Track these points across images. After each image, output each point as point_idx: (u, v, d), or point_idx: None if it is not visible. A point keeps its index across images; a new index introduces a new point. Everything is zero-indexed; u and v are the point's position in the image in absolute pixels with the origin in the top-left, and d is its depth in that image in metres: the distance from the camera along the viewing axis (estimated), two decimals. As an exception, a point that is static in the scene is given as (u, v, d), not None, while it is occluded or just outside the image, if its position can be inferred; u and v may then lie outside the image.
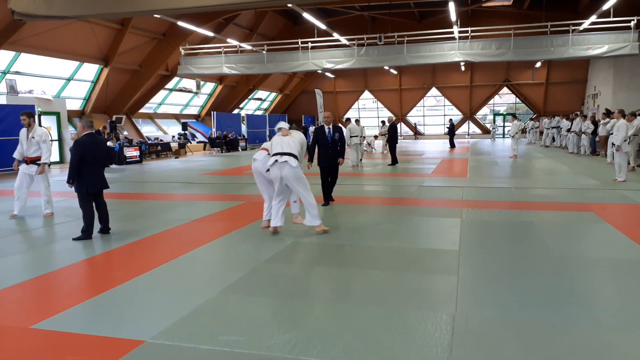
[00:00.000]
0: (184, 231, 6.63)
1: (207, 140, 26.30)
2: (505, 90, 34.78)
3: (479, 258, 5.05)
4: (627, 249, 5.32)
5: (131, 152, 18.53)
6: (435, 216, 7.29)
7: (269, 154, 6.30)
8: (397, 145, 15.83)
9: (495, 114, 34.37)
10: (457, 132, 25.18)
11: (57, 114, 18.59)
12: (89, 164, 6.16)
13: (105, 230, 6.44)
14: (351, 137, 14.83)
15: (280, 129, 6.44)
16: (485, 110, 36.25)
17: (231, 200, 9.05)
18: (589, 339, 3.16)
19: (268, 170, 6.16)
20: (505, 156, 17.91)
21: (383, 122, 16.42)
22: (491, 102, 35.56)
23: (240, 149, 25.67)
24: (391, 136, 15.59)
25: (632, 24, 17.37)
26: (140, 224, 7.08)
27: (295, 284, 4.36)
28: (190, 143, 25.49)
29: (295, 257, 5.26)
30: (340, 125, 8.33)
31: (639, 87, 22.71)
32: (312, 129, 15.74)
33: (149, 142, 22.48)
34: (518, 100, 34.67)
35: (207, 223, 7.16)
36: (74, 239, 6.09)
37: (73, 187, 6.24)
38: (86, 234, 6.15)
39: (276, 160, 6.01)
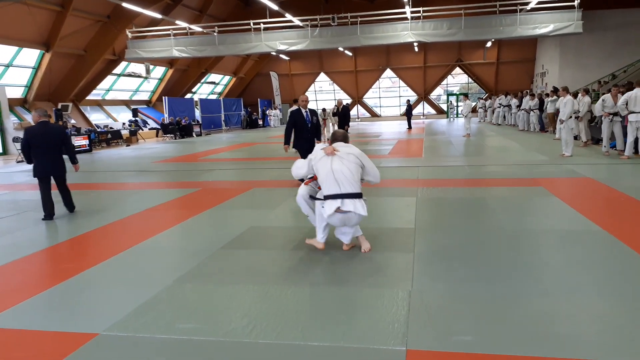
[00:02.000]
0: (137, 220, 6.45)
1: (159, 127, 25.61)
2: (458, 70, 35.48)
3: (434, 235, 5.15)
4: (573, 220, 5.55)
5: (80, 141, 17.81)
6: (392, 196, 7.38)
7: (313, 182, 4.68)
8: (348, 127, 15.73)
9: (449, 94, 35.03)
10: (412, 113, 25.50)
11: (-3, 103, 17.63)
12: (41, 151, 6.57)
13: (70, 209, 6.96)
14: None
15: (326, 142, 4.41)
16: (439, 90, 36.91)
17: (187, 188, 8.86)
18: (539, 308, 3.28)
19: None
20: (459, 135, 18.31)
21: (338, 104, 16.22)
22: (444, 82, 36.21)
23: (194, 135, 25.14)
24: (342, 119, 15.44)
25: (575, 2, 17.99)
26: (91, 215, 6.83)
27: (251, 269, 4.32)
28: (142, 130, 24.77)
29: (252, 243, 5.20)
30: (315, 110, 8.33)
31: (584, 65, 23.63)
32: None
33: (99, 130, 21.70)
34: (470, 80, 35.45)
35: (161, 211, 6.98)
36: (42, 219, 6.56)
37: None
38: (46, 215, 6.59)
39: (338, 208, 4.21)
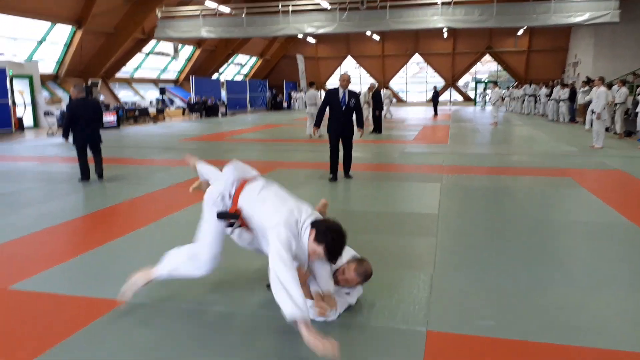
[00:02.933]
0: (164, 195, 6.57)
1: (185, 106, 25.85)
2: (487, 57, 34.76)
3: (457, 221, 5.13)
4: (601, 212, 5.44)
5: (108, 117, 18.10)
6: (416, 181, 7.35)
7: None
8: (383, 112, 15.58)
9: (477, 82, 34.40)
10: (439, 100, 25.17)
11: (30, 77, 18.00)
12: (81, 123, 7.36)
13: (100, 176, 7.62)
14: (308, 105, 13.83)
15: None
16: (467, 77, 36.27)
17: (213, 166, 8.94)
18: (562, 298, 3.25)
19: None
20: (486, 123, 18.03)
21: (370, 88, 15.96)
22: (473, 69, 35.55)
23: (220, 115, 25.31)
24: (375, 103, 15.38)
25: (614, -9, 17.36)
26: (119, 188, 6.99)
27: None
28: (169, 108, 25.05)
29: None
30: (356, 91, 7.45)
31: (619, 56, 22.86)
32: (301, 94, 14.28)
33: (126, 107, 22.01)
34: (500, 68, 34.72)
35: (187, 187, 7.06)
36: (78, 181, 7.43)
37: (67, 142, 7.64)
38: (82, 176, 7.46)
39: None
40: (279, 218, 2.64)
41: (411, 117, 22.47)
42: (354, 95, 7.15)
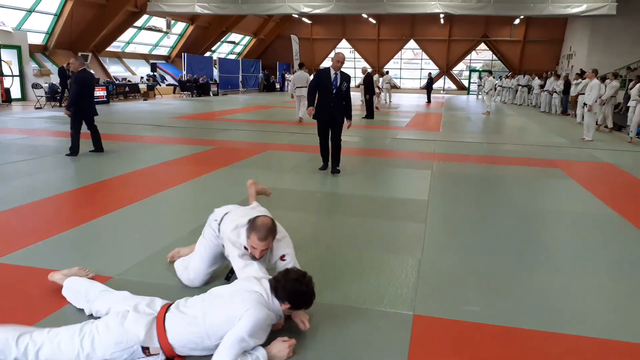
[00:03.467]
0: (153, 172, 6.51)
1: (177, 84, 25.53)
2: (482, 46, 34.65)
3: (447, 208, 5.15)
4: (589, 203, 5.50)
5: (98, 92, 17.84)
6: (407, 167, 7.35)
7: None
8: (382, 97, 15.55)
9: (472, 70, 34.34)
10: (433, 87, 25.11)
11: (18, 48, 17.63)
12: (85, 96, 7.43)
13: (98, 149, 7.65)
14: (296, 87, 13.44)
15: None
16: (461, 66, 36.18)
17: (202, 145, 8.89)
18: (547, 283, 3.29)
19: None
20: (478, 112, 18.05)
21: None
22: (468, 57, 35.45)
23: (211, 94, 25.05)
24: (366, 87, 15.31)
25: (612, -17, 17.31)
26: (108, 164, 6.91)
27: (265, 227, 4.36)
28: (160, 85, 24.71)
29: (266, 202, 5.22)
30: (349, 75, 6.65)
31: (613, 49, 22.89)
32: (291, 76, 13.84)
33: (117, 82, 21.68)
34: (495, 57, 34.66)
35: (177, 166, 7.04)
36: (66, 155, 7.28)
37: (69, 114, 7.38)
38: (73, 151, 7.32)
39: None
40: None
41: (404, 104, 22.40)
42: (347, 79, 6.40)
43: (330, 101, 6.32)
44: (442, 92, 34.67)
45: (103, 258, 3.51)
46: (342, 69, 6.37)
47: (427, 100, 23.38)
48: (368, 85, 15.21)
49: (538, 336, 2.63)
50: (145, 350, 2.26)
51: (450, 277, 3.35)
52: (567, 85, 17.73)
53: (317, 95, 6.43)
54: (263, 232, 2.70)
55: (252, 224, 2.75)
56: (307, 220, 4.63)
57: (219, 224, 3.04)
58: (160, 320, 2.30)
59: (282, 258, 2.83)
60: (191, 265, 3.08)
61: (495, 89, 26.84)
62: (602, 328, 2.74)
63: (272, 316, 2.34)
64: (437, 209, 5.04)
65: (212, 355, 2.23)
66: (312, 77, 7.44)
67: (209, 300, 2.35)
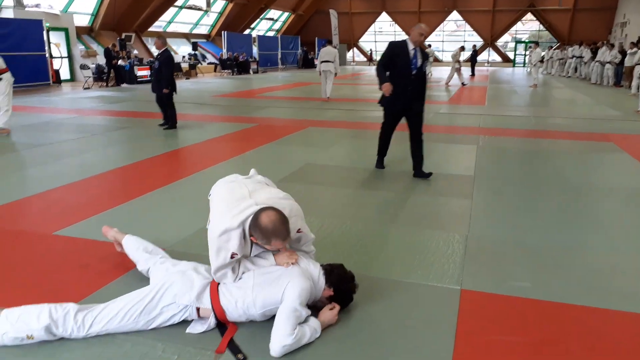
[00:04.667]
0: (199, 150, 6.65)
1: (217, 62, 25.76)
2: (529, 16, 33.23)
3: (493, 183, 5.03)
4: (645, 178, 5.25)
5: (142, 72, 18.25)
6: (451, 142, 7.21)
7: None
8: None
9: (517, 42, 33.05)
10: (477, 60, 24.32)
11: (66, 30, 18.16)
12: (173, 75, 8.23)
13: (174, 125, 8.22)
14: (322, 61, 12.68)
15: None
16: (506, 37, 34.88)
17: (244, 122, 8.98)
18: (601, 261, 3.19)
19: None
20: (525, 85, 17.42)
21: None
22: (513, 29, 34.12)
23: (251, 72, 25.17)
24: None
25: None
26: (154, 142, 7.10)
27: (307, 203, 4.38)
28: (201, 64, 25.00)
29: (308, 178, 5.26)
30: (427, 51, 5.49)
31: (672, 15, 21.53)
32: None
33: (160, 62, 22.04)
34: (542, 27, 33.20)
35: (221, 143, 7.15)
36: (164, 128, 8.09)
37: (167, 92, 8.01)
38: (173, 124, 8.16)
39: None
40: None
41: (446, 77, 21.82)
42: (426, 57, 5.16)
43: (408, 82, 4.96)
44: (486, 64, 33.59)
45: (155, 231, 3.63)
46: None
47: (470, 74, 22.72)
48: None
49: (594, 313, 2.55)
50: (199, 311, 2.35)
51: (499, 253, 3.29)
52: (623, 54, 16.82)
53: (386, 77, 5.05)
54: (283, 231, 2.29)
55: (263, 229, 2.26)
56: (347, 195, 4.63)
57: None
58: (214, 284, 2.39)
59: (297, 231, 2.53)
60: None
61: (543, 61, 25.80)
62: (661, 306, 2.63)
63: (314, 291, 2.37)
64: (484, 185, 4.93)
65: (257, 322, 2.32)
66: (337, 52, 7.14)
67: (260, 270, 2.41)
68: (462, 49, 15.51)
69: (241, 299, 2.31)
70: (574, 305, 2.62)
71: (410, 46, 4.92)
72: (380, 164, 5.61)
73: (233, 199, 2.43)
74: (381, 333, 2.34)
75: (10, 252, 3.28)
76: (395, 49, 5.01)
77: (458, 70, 17.53)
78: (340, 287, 2.42)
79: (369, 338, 2.29)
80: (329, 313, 2.37)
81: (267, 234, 2.26)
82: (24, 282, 2.83)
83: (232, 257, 2.33)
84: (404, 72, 4.93)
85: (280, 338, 2.11)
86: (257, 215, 2.29)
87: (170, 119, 8.18)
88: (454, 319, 2.47)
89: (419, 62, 4.92)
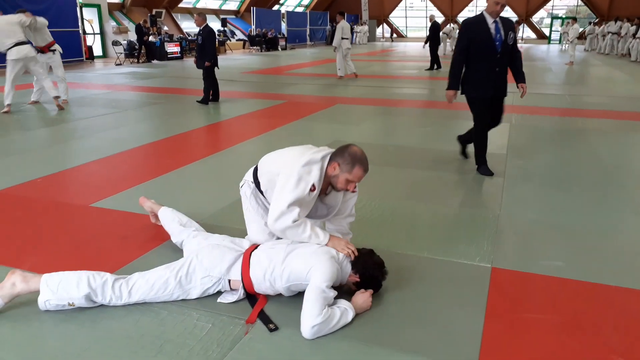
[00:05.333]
0: (229, 126, 6.72)
1: (246, 38, 25.72)
2: (566, -10, 31.99)
3: (526, 162, 4.94)
4: (686, 159, 5.07)
5: (172, 48, 18.38)
6: (482, 120, 7.07)
7: None
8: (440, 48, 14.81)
9: (554, 18, 31.90)
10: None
11: (98, 7, 18.38)
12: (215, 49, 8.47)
13: (216, 99, 8.49)
14: (343, 38, 12.08)
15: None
16: (542, 13, 33.70)
17: (273, 99, 9.00)
18: (634, 243, 3.12)
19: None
20: (560, 63, 16.88)
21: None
22: (550, 4, 32.91)
23: (279, 48, 25.07)
24: (432, 37, 14.46)
25: None
26: (185, 118, 7.19)
27: (338, 179, 4.40)
28: (230, 40, 25.00)
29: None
30: (510, 19, 4.68)
31: None
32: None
33: (189, 38, 22.18)
34: (579, 2, 31.93)
35: (251, 119, 7.20)
36: (197, 101, 8.29)
37: (209, 64, 8.27)
38: (205, 99, 8.29)
39: None
40: None
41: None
42: (511, 27, 4.30)
43: (494, 64, 4.26)
44: (520, 41, 32.62)
45: (188, 204, 3.71)
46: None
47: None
48: (434, 34, 14.40)
49: (628, 294, 2.51)
50: (230, 283, 2.41)
51: (531, 232, 3.25)
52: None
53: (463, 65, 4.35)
54: (366, 163, 2.48)
55: (352, 154, 2.45)
56: (377, 173, 4.61)
57: (254, 173, 2.78)
58: (246, 256, 2.43)
59: (353, 190, 2.55)
60: (251, 237, 2.76)
61: (581, 38, 24.87)
62: (699, 289, 2.57)
63: (340, 275, 2.36)
64: (516, 163, 4.85)
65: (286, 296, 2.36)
66: (355, 27, 6.98)
67: (293, 245, 2.44)
68: (431, 18, 15.03)
69: (269, 271, 2.34)
70: (607, 286, 2.58)
71: (490, 20, 4.17)
72: (486, 170, 4.51)
73: (303, 148, 2.66)
74: (412, 311, 2.35)
75: (50, 222, 3.41)
76: (473, 27, 4.27)
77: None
78: (366, 273, 2.38)
79: (399, 316, 2.31)
80: (361, 296, 2.34)
81: (355, 159, 2.43)
82: (64, 251, 2.95)
83: (311, 190, 2.41)
84: (487, 52, 4.21)
85: (309, 319, 2.12)
86: (347, 145, 2.53)
87: (206, 93, 8.32)
88: (484, 297, 2.47)
89: (503, 35, 4.18)
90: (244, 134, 6.10)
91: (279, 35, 25.93)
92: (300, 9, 34.36)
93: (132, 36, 18.39)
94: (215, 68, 8.42)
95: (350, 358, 2.01)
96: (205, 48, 8.27)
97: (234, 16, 28.92)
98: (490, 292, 2.52)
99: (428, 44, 14.50)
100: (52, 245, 3.03)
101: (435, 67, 14.29)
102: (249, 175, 2.83)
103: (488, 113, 4.47)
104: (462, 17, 34.34)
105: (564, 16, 31.52)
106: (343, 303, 2.27)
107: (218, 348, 2.06)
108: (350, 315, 2.23)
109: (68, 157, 5.18)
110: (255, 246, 2.52)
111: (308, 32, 30.21)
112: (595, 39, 24.05)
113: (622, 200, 3.92)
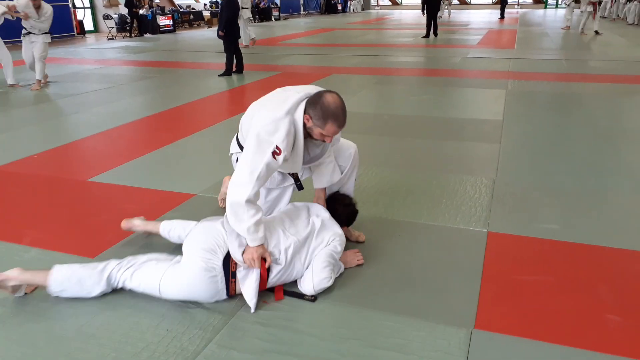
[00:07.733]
0: (223, 99, 6.67)
1: (239, 9, 25.23)
2: (564, -48, 31.33)
3: (523, 128, 4.94)
4: (682, 122, 5.08)
5: (164, 21, 18.06)
6: (479, 87, 7.04)
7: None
8: (437, 14, 14.47)
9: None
10: (507, 2, 23.22)
11: (87, -21, 17.95)
12: (233, 19, 8.21)
13: (240, 70, 8.44)
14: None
15: None
16: (539, -24, 33.09)
17: (267, 71, 8.91)
18: (630, 204, 3.16)
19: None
20: (557, 27, 16.69)
21: None
22: (547, -34, 32.32)
23: (273, 19, 24.65)
24: (428, 2, 13.88)
25: None
26: (178, 91, 7.13)
27: (335, 149, 4.40)
28: (222, 12, 24.53)
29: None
30: None
31: None
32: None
33: (181, 10, 21.77)
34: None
35: (245, 92, 7.15)
36: (219, 75, 8.15)
37: (222, 35, 8.14)
38: (227, 71, 8.24)
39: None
40: None
41: (475, 21, 21.06)
42: None
43: None
44: (516, 7, 32.13)
45: (186, 177, 3.73)
46: None
47: (500, 17, 21.82)
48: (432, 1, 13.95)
49: (623, 254, 2.56)
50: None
51: (527, 197, 3.28)
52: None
53: None
54: (342, 117, 2.07)
55: (324, 106, 2.03)
56: (374, 141, 4.62)
57: (237, 141, 2.53)
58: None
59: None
60: None
61: (577, 1, 24.42)
62: (691, 248, 2.62)
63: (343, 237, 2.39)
64: (513, 129, 4.85)
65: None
66: None
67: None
68: None
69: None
70: (603, 247, 2.63)
71: None
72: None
73: (278, 100, 2.14)
74: (408, 274, 2.39)
75: (48, 197, 3.42)
76: None
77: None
78: (350, 218, 2.57)
79: (396, 279, 2.35)
80: (351, 254, 2.48)
81: (327, 113, 2.02)
82: (63, 225, 2.97)
83: (275, 153, 2.01)
84: None
85: (321, 282, 2.19)
86: (320, 93, 2.09)
87: (227, 65, 8.28)
88: (481, 261, 2.50)
89: None
90: (239, 106, 6.06)
91: (272, 5, 25.47)
92: (293, -22, 33.64)
93: (123, 9, 18.03)
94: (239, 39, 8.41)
95: (347, 322, 2.05)
96: (222, 17, 8.20)
97: (225, -14, 28.30)
98: (487, 256, 2.55)
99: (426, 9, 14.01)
100: (51, 220, 3.04)
101: (433, 34, 14.04)
102: (233, 146, 2.58)
103: None
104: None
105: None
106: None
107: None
108: (341, 269, 2.39)
109: (64, 133, 5.16)
110: None
111: (302, 2, 29.66)
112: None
113: (616, 162, 3.94)
